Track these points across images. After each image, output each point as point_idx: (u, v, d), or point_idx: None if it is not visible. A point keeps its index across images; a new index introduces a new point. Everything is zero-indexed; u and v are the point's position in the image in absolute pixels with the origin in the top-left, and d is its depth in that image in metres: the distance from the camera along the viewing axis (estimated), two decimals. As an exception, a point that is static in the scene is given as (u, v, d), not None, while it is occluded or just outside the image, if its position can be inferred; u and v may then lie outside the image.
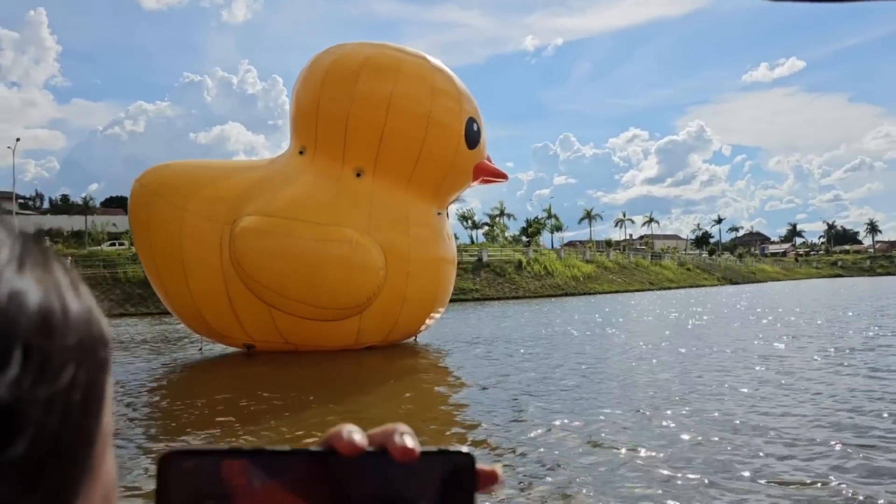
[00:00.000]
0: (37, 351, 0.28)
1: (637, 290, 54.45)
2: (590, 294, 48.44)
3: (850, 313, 22.28)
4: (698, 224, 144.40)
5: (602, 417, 7.06)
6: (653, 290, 56.82)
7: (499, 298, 43.67)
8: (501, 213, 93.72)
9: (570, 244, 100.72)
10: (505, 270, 49.19)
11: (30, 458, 0.27)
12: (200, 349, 14.41)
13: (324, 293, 11.64)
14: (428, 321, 13.95)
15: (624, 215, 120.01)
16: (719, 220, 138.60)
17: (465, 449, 0.43)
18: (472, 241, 76.85)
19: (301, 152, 13.17)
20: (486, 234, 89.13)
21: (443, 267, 13.69)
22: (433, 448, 0.43)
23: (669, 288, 59.59)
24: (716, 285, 68.07)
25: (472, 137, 13.58)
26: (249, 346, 12.73)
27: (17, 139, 62.24)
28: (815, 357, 11.33)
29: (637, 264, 66.40)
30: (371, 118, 12.75)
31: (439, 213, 13.84)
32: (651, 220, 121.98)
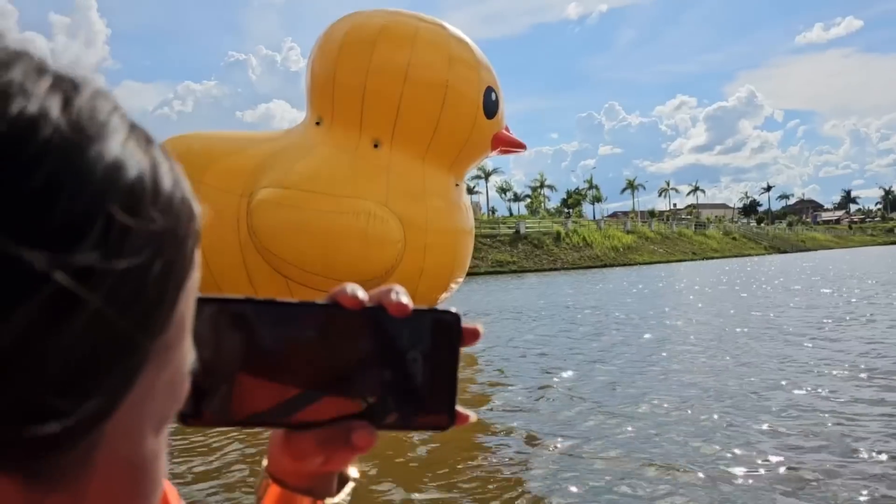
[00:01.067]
0: (120, 225, 0.28)
1: (679, 261, 53.57)
2: (630, 265, 47.83)
3: None
4: (746, 192, 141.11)
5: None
6: (695, 259, 55.88)
7: (536, 270, 43.42)
8: (542, 185, 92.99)
9: (614, 215, 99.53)
10: (543, 242, 48.87)
11: (96, 325, 0.27)
12: None
13: (341, 266, 11.30)
14: (445, 293, 13.81)
15: (668, 185, 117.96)
16: (768, 188, 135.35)
17: (454, 310, 0.47)
18: (511, 214, 76.49)
19: (318, 123, 12.93)
20: (527, 207, 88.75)
21: (460, 238, 13.34)
22: (424, 307, 0.46)
23: (713, 258, 58.49)
24: (762, 254, 66.60)
25: (491, 107, 13.18)
26: None
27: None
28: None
29: (680, 234, 65.37)
30: (388, 88, 12.48)
31: (457, 185, 13.57)
32: (696, 189, 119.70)
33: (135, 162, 0.29)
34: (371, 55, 12.49)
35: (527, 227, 50.28)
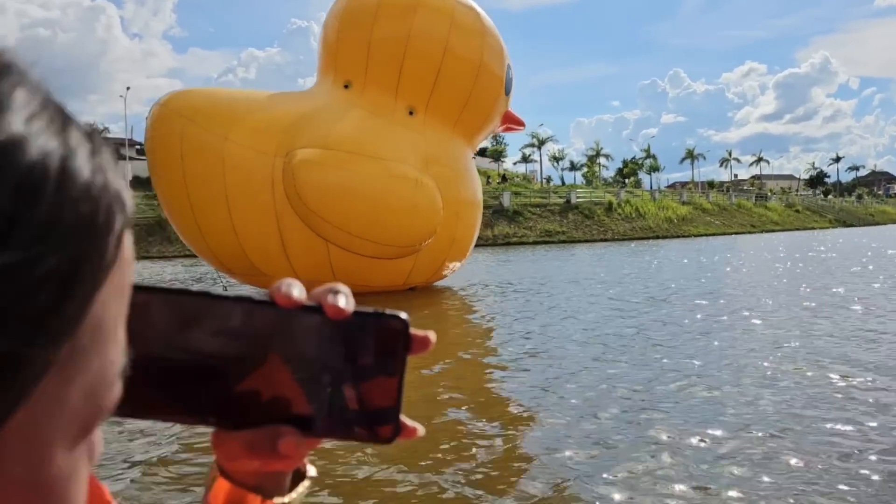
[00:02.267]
0: (12, 214, 0.24)
1: (736, 233, 52.26)
2: (684, 237, 46.93)
3: None
4: (813, 163, 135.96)
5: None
6: (754, 232, 54.44)
7: (586, 241, 43.01)
8: (598, 154, 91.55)
9: (672, 186, 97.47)
10: (594, 212, 48.25)
11: None
12: (224, 288, 13.87)
13: (389, 230, 11.54)
14: (458, 263, 13.98)
15: (729, 154, 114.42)
16: (837, 159, 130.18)
17: (402, 315, 0.44)
18: (563, 183, 75.74)
19: (346, 86, 12.91)
20: (584, 176, 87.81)
21: (479, 209, 13.77)
22: (368, 309, 0.44)
23: (773, 231, 56.80)
24: (826, 228, 64.40)
25: (508, 84, 13.78)
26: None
27: (128, 88, 66.14)
28: None
29: (739, 206, 63.59)
30: (429, 58, 12.64)
31: (473, 157, 14.01)
32: (760, 159, 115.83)
33: (38, 143, 0.26)
34: (412, 23, 12.61)
35: (578, 197, 49.71)
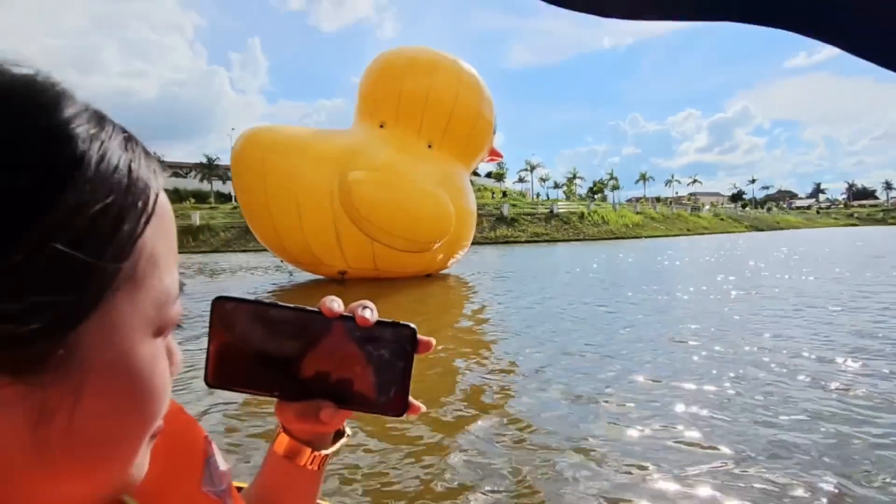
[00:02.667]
0: (66, 171, 0.26)
1: (675, 236, 51.59)
2: (636, 238, 46.46)
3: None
4: (734, 184, 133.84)
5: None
6: (689, 234, 53.72)
7: (565, 240, 42.73)
8: (574, 177, 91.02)
9: (629, 201, 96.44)
10: (570, 219, 47.92)
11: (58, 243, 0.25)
12: (290, 274, 14.48)
13: (417, 231, 11.78)
14: (459, 256, 14.15)
15: (672, 177, 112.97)
16: (753, 181, 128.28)
17: (412, 325, 0.46)
18: (548, 198, 75.26)
19: (381, 126, 13.02)
20: (564, 193, 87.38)
21: (473, 217, 13.85)
22: (388, 320, 0.46)
23: (703, 234, 56.05)
24: (743, 231, 63.40)
25: (495, 127, 14.27)
26: (343, 272, 12.41)
27: (233, 128, 66.89)
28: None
29: (678, 215, 62.75)
30: (444, 106, 12.87)
31: (469, 177, 14.37)
32: (695, 181, 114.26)
33: (85, 127, 0.28)
34: (433, 79, 12.91)
35: (559, 208, 49.41)
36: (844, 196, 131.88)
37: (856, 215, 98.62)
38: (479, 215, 45.78)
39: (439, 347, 5.49)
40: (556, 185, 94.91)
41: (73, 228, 0.26)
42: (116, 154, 0.29)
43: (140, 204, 0.30)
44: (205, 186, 72.03)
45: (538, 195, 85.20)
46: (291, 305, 0.45)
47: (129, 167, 0.30)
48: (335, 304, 0.45)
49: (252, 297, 0.45)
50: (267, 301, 0.45)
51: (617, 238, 45.74)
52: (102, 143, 0.28)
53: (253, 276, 15.35)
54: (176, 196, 73.24)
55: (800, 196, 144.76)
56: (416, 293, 10.60)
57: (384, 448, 2.95)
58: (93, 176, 0.27)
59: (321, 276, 13.07)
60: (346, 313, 0.46)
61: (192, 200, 67.79)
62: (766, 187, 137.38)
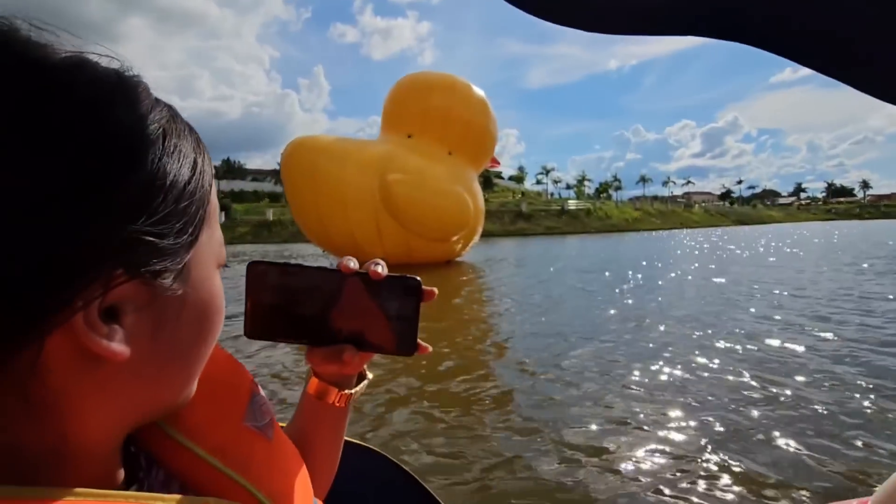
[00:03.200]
0: (171, 138, 0.29)
1: (670, 229, 50.16)
2: (635, 231, 45.35)
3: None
4: (723, 185, 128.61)
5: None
6: (682, 228, 52.11)
7: (573, 233, 42.09)
8: (583, 179, 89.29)
9: (631, 199, 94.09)
10: (578, 215, 47.16)
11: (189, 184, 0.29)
12: (330, 264, 14.62)
13: (445, 222, 11.90)
14: (475, 240, 14.16)
15: (668, 179, 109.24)
16: (740, 182, 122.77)
17: (417, 278, 0.45)
18: (559, 197, 73.99)
19: (409, 136, 13.06)
20: (575, 192, 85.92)
21: (481, 215, 13.68)
22: (396, 274, 0.45)
23: (694, 227, 54.26)
24: (729, 226, 61.08)
25: (496, 139, 14.45)
26: (382, 259, 12.71)
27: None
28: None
29: (673, 211, 60.95)
30: (463, 120, 12.95)
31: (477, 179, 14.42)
32: (688, 182, 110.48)
33: (163, 113, 0.30)
34: (452, 100, 12.98)
35: (569, 206, 48.63)
36: (824, 194, 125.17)
37: (833, 211, 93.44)
38: (501, 212, 45.57)
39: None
40: (568, 187, 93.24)
41: (190, 173, 0.29)
42: (186, 125, 0.31)
43: (209, 161, 0.32)
44: (278, 188, 73.74)
45: (552, 194, 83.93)
46: (314, 265, 0.45)
47: (196, 133, 0.32)
48: (352, 262, 0.45)
49: (282, 261, 0.44)
50: (293, 263, 0.44)
51: (619, 231, 44.74)
52: (180, 118, 0.31)
53: (308, 262, 15.66)
54: (255, 196, 75.01)
55: (783, 195, 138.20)
56: (457, 278, 10.57)
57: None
58: (185, 139, 0.30)
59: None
60: (361, 270, 0.45)
61: (268, 200, 69.38)
62: (752, 187, 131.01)
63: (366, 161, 11.85)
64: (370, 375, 0.56)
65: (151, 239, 0.26)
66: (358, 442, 0.74)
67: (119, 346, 0.26)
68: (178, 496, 0.28)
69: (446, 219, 11.88)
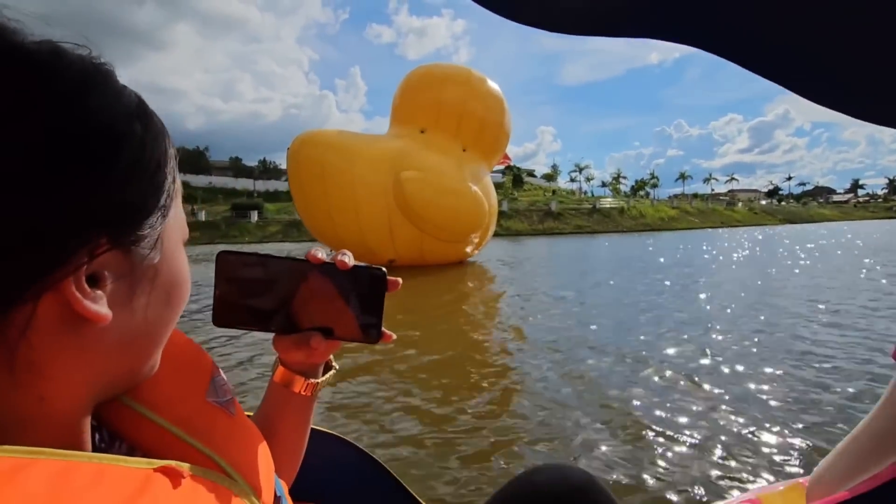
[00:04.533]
0: (145, 117, 0.31)
1: (710, 227, 48.21)
2: (670, 230, 43.79)
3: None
4: (770, 181, 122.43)
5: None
6: (723, 227, 49.96)
7: (604, 232, 41.06)
8: (619, 177, 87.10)
9: (671, 197, 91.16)
10: (610, 213, 45.99)
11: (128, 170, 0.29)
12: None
13: (460, 223, 11.59)
14: (488, 237, 13.66)
15: (710, 175, 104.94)
16: (789, 178, 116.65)
17: (383, 268, 0.47)
18: (592, 194, 72.42)
19: (422, 131, 12.63)
20: (610, 190, 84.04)
21: (495, 211, 13.30)
22: (363, 264, 0.47)
23: (736, 226, 51.91)
24: (776, 224, 58.09)
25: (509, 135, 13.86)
26: (392, 260, 11.92)
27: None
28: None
29: (714, 210, 58.57)
30: (478, 115, 12.55)
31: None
32: (732, 178, 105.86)
33: (135, 96, 0.32)
34: (467, 94, 12.55)
35: (600, 204, 47.51)
36: (885, 191, 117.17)
37: (895, 209, 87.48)
38: (530, 210, 44.95)
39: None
40: (604, 184, 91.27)
41: (160, 152, 0.32)
42: (153, 113, 0.33)
43: (171, 140, 0.34)
44: (310, 189, 75.23)
45: (585, 193, 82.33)
46: (283, 256, 0.45)
47: (160, 121, 0.34)
48: (320, 253, 0.45)
49: (251, 251, 0.44)
50: (262, 253, 0.44)
51: (652, 230, 43.35)
52: (143, 99, 0.33)
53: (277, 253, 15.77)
54: (288, 196, 76.83)
55: (838, 192, 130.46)
56: (479, 277, 10.50)
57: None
58: (154, 122, 0.32)
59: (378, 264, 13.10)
60: (328, 260, 0.46)
61: (300, 200, 70.88)
62: (803, 184, 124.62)
63: (378, 157, 11.41)
64: (337, 366, 0.56)
65: (132, 210, 0.29)
66: (327, 430, 0.74)
67: (104, 310, 0.28)
68: (143, 458, 0.29)
69: (463, 219, 11.51)
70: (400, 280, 0.48)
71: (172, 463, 0.30)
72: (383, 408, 2.63)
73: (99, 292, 0.28)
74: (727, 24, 0.37)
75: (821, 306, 5.30)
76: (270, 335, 0.48)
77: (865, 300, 5.64)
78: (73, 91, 0.27)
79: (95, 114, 0.28)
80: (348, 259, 0.46)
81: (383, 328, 0.47)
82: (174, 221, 0.34)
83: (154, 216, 0.31)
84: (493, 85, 13.21)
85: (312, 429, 0.58)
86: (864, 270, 8.75)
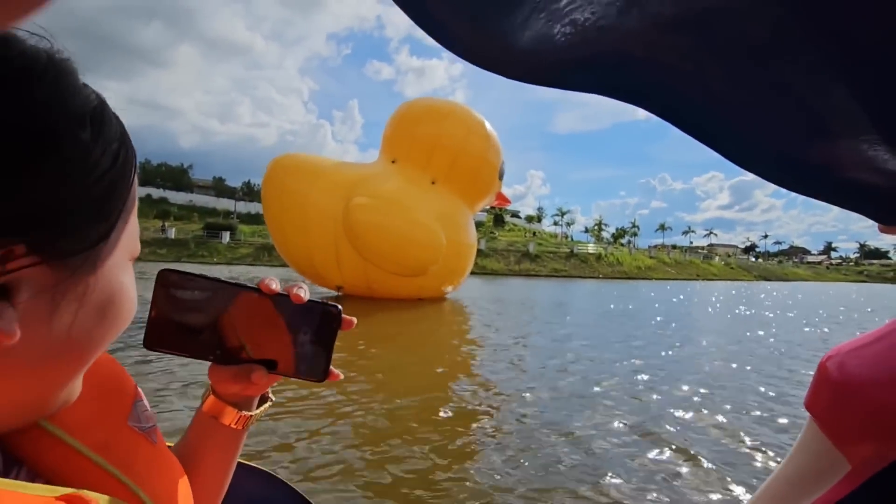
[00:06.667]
0: (98, 123, 0.28)
1: (685, 279, 48.44)
2: (646, 279, 43.83)
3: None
4: (748, 237, 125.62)
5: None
6: (698, 279, 50.24)
7: (580, 277, 40.87)
8: (601, 223, 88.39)
9: (650, 247, 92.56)
10: (588, 259, 45.99)
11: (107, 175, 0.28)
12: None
13: (408, 257, 10.86)
14: (460, 280, 13.04)
15: (689, 228, 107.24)
16: (765, 236, 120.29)
17: (338, 306, 0.45)
18: (571, 239, 73.00)
19: (393, 161, 12.40)
20: (591, 236, 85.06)
21: (470, 251, 12.58)
22: (318, 299, 0.44)
23: (711, 280, 52.32)
24: (751, 280, 58.76)
25: (501, 174, 13.02)
26: (339, 287, 11.77)
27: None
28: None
29: (690, 262, 59.12)
30: (450, 149, 12.04)
31: (471, 216, 13.04)
32: (710, 232, 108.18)
33: (96, 95, 0.29)
34: (442, 126, 12.17)
35: (577, 248, 47.60)
36: (856, 255, 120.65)
37: (865, 273, 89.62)
38: (508, 251, 44.77)
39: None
40: (587, 230, 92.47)
41: (110, 162, 0.29)
42: (114, 115, 0.30)
43: (133, 153, 0.31)
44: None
45: (567, 237, 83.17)
46: (232, 281, 0.42)
47: (122, 125, 0.31)
48: (273, 283, 0.43)
49: (198, 273, 0.42)
50: (210, 276, 0.41)
51: (629, 279, 43.31)
52: (108, 105, 0.30)
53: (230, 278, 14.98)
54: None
55: (812, 253, 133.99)
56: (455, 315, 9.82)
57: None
58: (109, 129, 0.29)
59: (329, 289, 12.45)
60: (282, 291, 0.43)
61: (280, 224, 70.07)
62: (779, 242, 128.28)
63: (337, 182, 11.17)
64: (273, 398, 0.52)
65: (60, 220, 0.26)
66: (254, 465, 0.69)
67: (8, 327, 0.25)
68: (44, 486, 0.26)
69: (410, 252, 10.80)
70: (354, 319, 0.46)
71: (81, 492, 0.27)
72: (313, 441, 2.56)
73: (5, 305, 0.25)
74: (663, 88, 0.38)
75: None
76: (207, 363, 0.44)
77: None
78: (13, 80, 0.24)
79: (35, 109, 0.25)
80: (303, 293, 0.43)
81: (331, 367, 0.45)
82: (122, 236, 0.31)
83: (90, 229, 0.28)
84: (478, 118, 12.78)
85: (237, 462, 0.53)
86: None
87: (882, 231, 0.45)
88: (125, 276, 0.32)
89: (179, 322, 0.41)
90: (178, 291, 0.41)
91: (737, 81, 0.32)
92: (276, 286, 0.42)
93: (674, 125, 0.41)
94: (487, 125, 12.76)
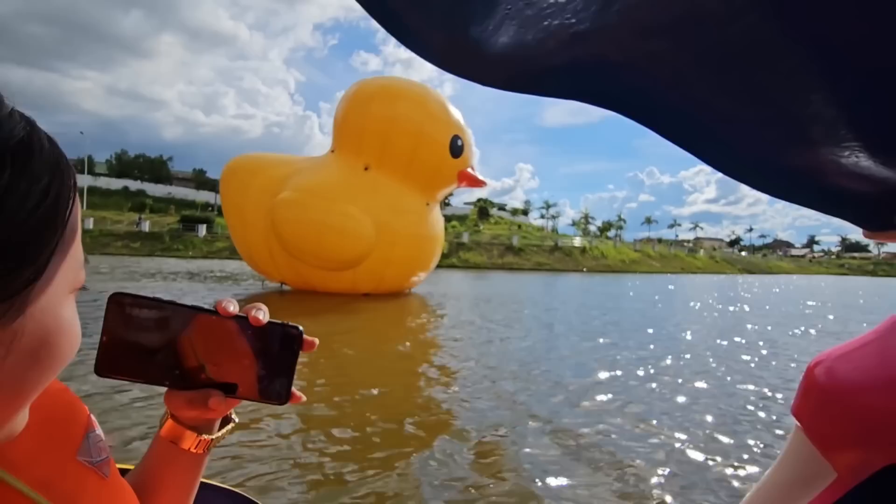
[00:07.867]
0: (24, 160, 0.26)
1: (670, 272, 48.19)
2: (631, 273, 43.45)
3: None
4: (733, 231, 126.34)
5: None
6: (683, 273, 50.03)
7: (564, 271, 40.36)
8: (587, 216, 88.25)
9: (636, 241, 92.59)
10: (572, 252, 45.52)
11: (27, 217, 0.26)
12: (263, 282, 13.45)
13: (325, 250, 10.11)
14: (414, 279, 12.12)
15: (674, 221, 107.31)
16: (750, 230, 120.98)
17: (300, 327, 0.44)
18: (557, 232, 72.62)
19: (332, 151, 11.68)
20: (579, 229, 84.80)
21: (425, 243, 11.42)
22: (278, 321, 0.43)
23: (696, 273, 52.15)
24: (736, 274, 58.78)
25: (456, 150, 11.18)
26: (283, 283, 11.61)
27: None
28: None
29: (675, 255, 58.96)
30: (378, 129, 10.85)
31: (428, 204, 11.51)
32: (696, 226, 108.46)
33: (23, 126, 0.27)
34: (369, 106, 10.93)
35: (561, 242, 47.09)
36: (838, 248, 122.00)
37: (846, 266, 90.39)
38: (492, 244, 44.08)
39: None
40: (574, 223, 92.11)
41: (38, 199, 0.26)
42: (47, 141, 0.28)
43: (71, 182, 0.29)
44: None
45: (553, 230, 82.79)
46: (188, 304, 0.41)
47: (58, 152, 0.29)
48: (231, 305, 0.41)
49: (151, 295, 0.40)
50: (164, 299, 0.40)
51: (613, 272, 42.87)
52: (39, 133, 0.28)
53: (240, 284, 14.15)
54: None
55: (795, 246, 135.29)
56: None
57: None
58: (36, 163, 0.27)
59: (288, 286, 11.87)
60: (240, 314, 0.42)
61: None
62: (764, 236, 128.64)
63: (273, 179, 10.80)
64: (236, 419, 0.50)
65: None
66: (219, 485, 0.66)
67: None
68: None
69: (326, 246, 10.02)
70: (316, 340, 0.44)
71: None
72: (284, 457, 2.49)
73: None
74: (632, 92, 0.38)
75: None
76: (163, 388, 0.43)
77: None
78: None
79: None
80: (262, 315, 0.42)
81: (293, 389, 0.44)
82: (58, 272, 0.29)
83: (13, 276, 0.25)
84: (416, 89, 11.41)
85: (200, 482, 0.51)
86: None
87: (867, 236, 0.44)
88: (64, 310, 0.30)
89: (133, 347, 0.39)
90: (132, 315, 0.39)
91: (715, 88, 0.31)
92: (233, 308, 0.41)
93: (654, 131, 0.40)
94: (429, 90, 11.45)
